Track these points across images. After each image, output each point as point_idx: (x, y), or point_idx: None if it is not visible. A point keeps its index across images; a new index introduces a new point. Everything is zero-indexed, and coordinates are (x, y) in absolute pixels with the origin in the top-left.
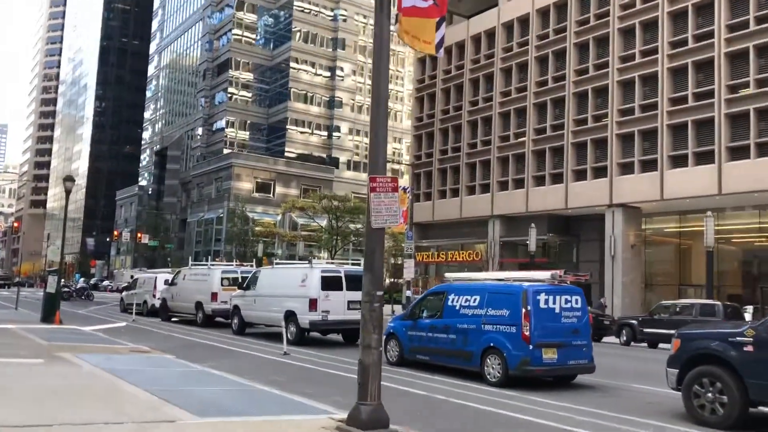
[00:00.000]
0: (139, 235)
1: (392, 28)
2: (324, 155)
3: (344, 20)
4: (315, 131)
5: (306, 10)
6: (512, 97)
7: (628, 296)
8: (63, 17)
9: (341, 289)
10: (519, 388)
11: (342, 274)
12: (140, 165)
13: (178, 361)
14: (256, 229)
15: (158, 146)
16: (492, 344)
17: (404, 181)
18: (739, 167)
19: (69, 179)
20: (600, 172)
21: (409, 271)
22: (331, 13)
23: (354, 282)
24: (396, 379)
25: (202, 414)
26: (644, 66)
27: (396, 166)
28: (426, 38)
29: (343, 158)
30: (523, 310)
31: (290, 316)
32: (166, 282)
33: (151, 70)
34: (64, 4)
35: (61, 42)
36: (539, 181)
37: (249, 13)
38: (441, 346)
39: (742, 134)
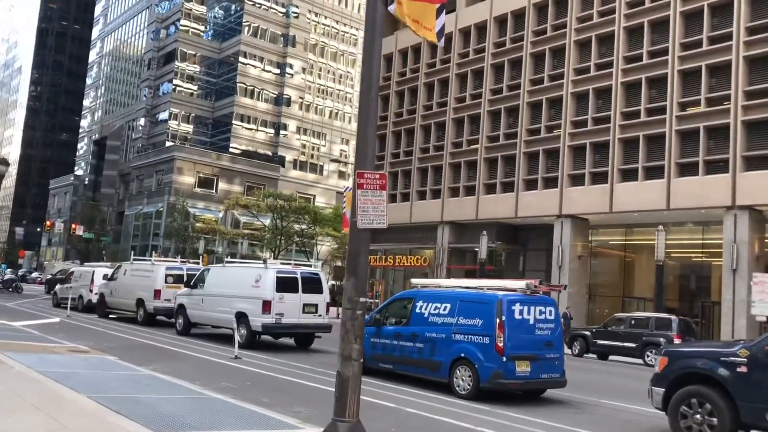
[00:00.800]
0: (73, 226)
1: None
2: (270, 153)
3: (296, 17)
4: (261, 128)
5: (257, 5)
6: (467, 104)
7: (574, 307)
8: None
9: (297, 292)
10: (490, 402)
11: (298, 276)
12: (77, 154)
13: (121, 363)
14: (197, 225)
15: (97, 135)
16: (463, 355)
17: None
18: (687, 183)
19: (3, 162)
20: (550, 183)
21: None
22: (283, 9)
23: (310, 284)
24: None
25: (155, 427)
26: (599, 79)
27: (343, 168)
28: (427, 24)
29: (289, 157)
30: (498, 321)
31: (241, 318)
32: (105, 276)
33: (92, 56)
34: None
35: None
36: (490, 188)
37: (198, 4)
38: (407, 354)
39: (691, 151)
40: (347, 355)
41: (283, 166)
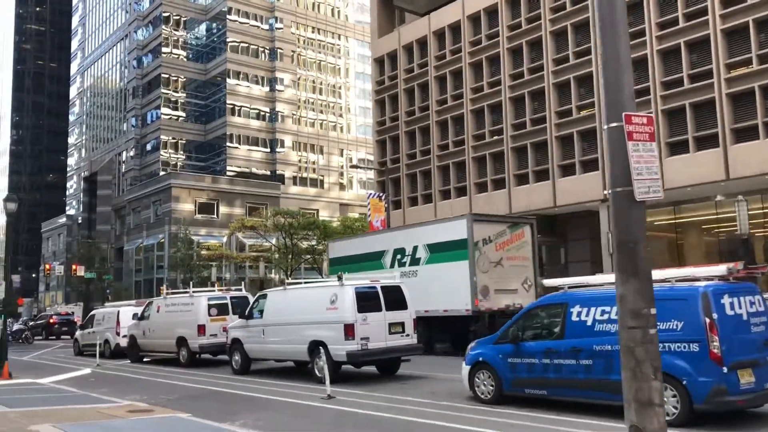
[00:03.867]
0: (74, 267)
1: None
2: (268, 171)
3: (280, 29)
4: (256, 147)
5: (240, 21)
6: (485, 93)
7: None
8: None
9: (380, 310)
10: (707, 428)
11: (379, 290)
12: (67, 194)
13: (200, 422)
14: (203, 252)
15: (86, 172)
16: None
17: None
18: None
19: (11, 200)
20: (590, 166)
21: None
22: (267, 24)
23: (393, 299)
24: (513, 425)
25: None
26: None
27: (342, 180)
28: None
29: (288, 173)
30: (707, 320)
31: (318, 347)
32: (134, 316)
33: (73, 92)
34: None
35: None
36: (522, 180)
37: (179, 27)
38: (568, 375)
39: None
40: (645, 399)
41: (283, 183)
